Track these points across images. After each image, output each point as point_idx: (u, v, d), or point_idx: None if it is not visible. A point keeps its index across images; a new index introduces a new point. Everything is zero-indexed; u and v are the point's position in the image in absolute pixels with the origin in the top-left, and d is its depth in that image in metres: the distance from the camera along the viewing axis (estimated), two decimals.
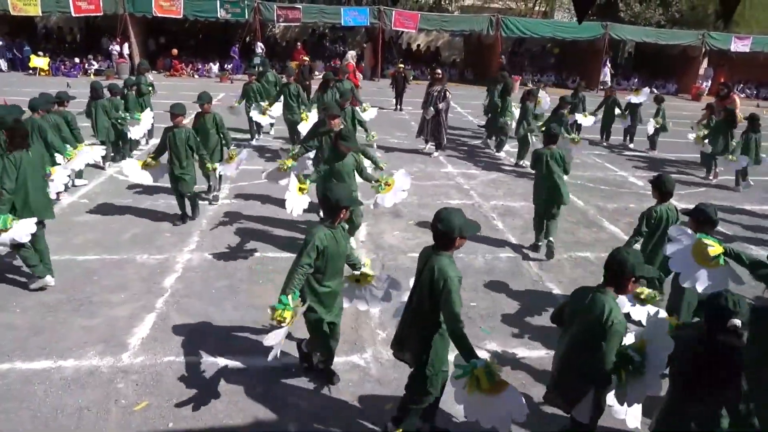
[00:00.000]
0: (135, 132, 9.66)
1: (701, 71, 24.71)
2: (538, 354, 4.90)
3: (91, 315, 5.14)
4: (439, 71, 11.41)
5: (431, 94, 10.99)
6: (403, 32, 26.03)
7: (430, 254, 3.38)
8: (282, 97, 10.66)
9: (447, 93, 10.99)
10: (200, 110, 7.91)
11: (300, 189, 5.74)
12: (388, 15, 22.09)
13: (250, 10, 21.35)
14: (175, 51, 22.72)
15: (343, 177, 5.94)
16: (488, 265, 6.61)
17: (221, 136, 7.96)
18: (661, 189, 5.01)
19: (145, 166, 7.04)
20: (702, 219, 4.30)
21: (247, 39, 22.88)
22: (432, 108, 10.92)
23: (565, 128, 9.81)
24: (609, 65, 24.60)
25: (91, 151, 7.51)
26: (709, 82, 24.65)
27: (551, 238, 6.79)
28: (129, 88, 10.23)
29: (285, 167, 6.25)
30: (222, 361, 4.56)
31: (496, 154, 11.88)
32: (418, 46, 28.76)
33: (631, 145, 13.30)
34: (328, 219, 3.87)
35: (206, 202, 8.09)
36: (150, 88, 11.16)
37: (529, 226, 7.89)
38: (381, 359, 4.70)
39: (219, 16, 21.52)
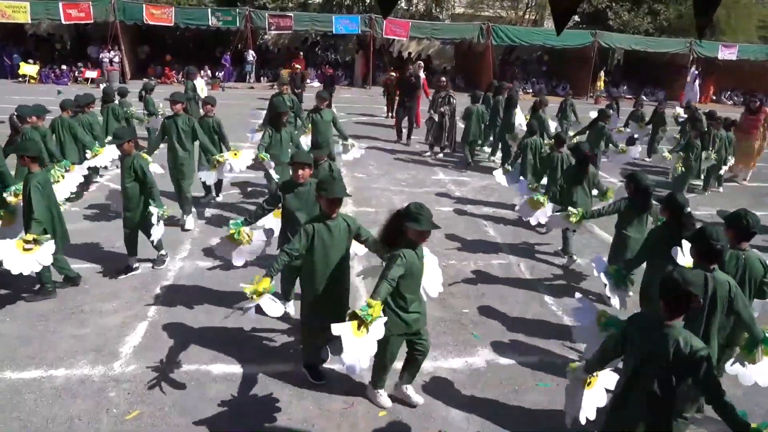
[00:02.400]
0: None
1: (689, 78, 24.99)
2: (531, 360, 4.92)
3: (82, 324, 5.11)
4: (443, 79, 12.54)
5: (436, 100, 11.80)
6: (394, 40, 26.14)
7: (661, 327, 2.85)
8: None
9: (452, 98, 11.74)
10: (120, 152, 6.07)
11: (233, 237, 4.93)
12: (379, 23, 22.19)
13: (242, 17, 21.38)
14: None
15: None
16: (480, 271, 6.63)
17: (145, 186, 5.87)
18: (556, 139, 7.70)
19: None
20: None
21: (239, 46, 22.90)
22: (437, 112, 11.71)
23: (609, 140, 9.58)
24: (698, 80, 22.71)
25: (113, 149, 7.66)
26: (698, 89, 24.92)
27: None
28: (148, 92, 10.75)
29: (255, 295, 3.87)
30: (214, 369, 4.55)
31: (490, 158, 11.91)
32: (410, 53, 28.87)
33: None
34: (675, 316, 2.83)
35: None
36: (195, 93, 11.53)
37: (521, 233, 7.95)
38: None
39: (210, 23, 21.54)
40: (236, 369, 4.58)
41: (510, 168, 8.45)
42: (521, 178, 7.98)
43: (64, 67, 22.08)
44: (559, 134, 8.33)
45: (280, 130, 7.23)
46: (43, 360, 4.55)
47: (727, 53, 23.94)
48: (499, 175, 8.41)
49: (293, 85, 16.28)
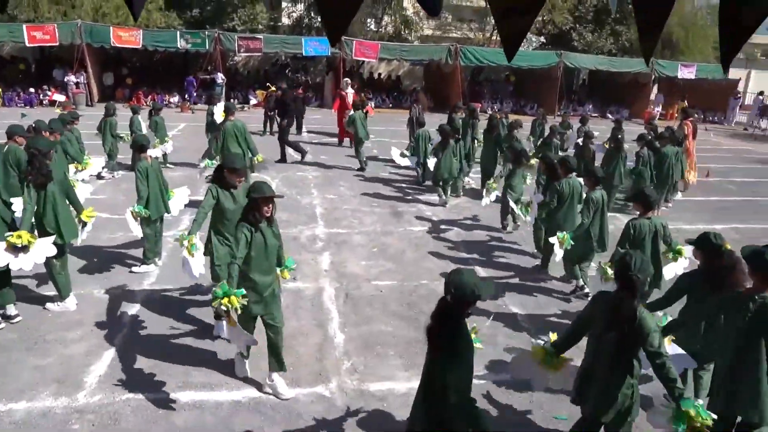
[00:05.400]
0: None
1: (652, 97, 25.73)
2: (503, 378, 4.93)
3: (45, 354, 4.96)
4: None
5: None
6: (364, 61, 26.37)
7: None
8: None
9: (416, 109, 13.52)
10: None
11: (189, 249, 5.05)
12: (349, 45, 22.37)
13: (211, 40, 21.33)
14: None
15: None
16: None
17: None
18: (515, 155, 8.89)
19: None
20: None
21: (208, 69, 22.80)
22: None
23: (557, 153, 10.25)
24: None
25: (94, 163, 8.67)
26: (660, 107, 25.67)
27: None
28: (156, 112, 11.43)
29: None
30: (182, 397, 4.45)
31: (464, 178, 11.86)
32: (380, 74, 29.16)
33: None
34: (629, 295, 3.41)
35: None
36: (212, 118, 11.67)
37: (492, 252, 8.02)
38: (346, 389, 4.65)
39: (179, 46, 21.42)
40: (205, 396, 4.49)
41: (408, 153, 11.49)
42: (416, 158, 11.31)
43: (32, 90, 21.63)
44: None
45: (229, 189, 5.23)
46: (2, 393, 4.39)
47: (686, 72, 24.74)
48: (397, 156, 11.37)
49: (267, 108, 16.29)
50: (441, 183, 10.24)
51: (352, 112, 13.01)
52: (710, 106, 26.33)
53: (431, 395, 3.14)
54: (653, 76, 24.77)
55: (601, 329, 3.40)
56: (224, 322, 4.25)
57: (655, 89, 26.05)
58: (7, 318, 5.43)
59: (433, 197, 10.59)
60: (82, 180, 7.99)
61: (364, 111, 16.43)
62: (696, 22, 26.94)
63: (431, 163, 10.50)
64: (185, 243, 5.08)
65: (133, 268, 6.78)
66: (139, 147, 6.75)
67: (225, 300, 3.91)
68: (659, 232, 5.49)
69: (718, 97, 26.02)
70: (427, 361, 3.19)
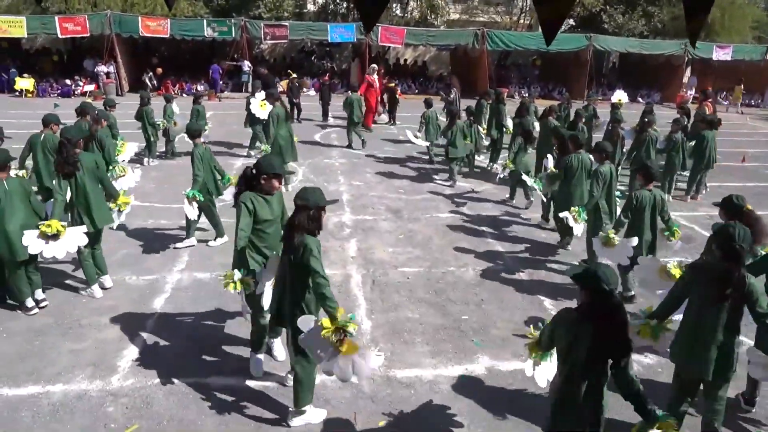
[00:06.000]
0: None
1: (685, 80, 25.03)
2: None
3: (80, 338, 5.09)
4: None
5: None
6: (390, 47, 26.22)
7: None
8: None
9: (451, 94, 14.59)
10: None
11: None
12: (375, 31, 22.23)
13: (237, 28, 21.43)
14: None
15: None
16: (479, 277, 6.61)
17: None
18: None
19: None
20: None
21: (235, 56, 22.94)
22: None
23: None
24: None
25: (126, 149, 9.06)
26: (693, 90, 24.98)
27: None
28: (197, 101, 11.60)
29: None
30: (212, 382, 4.52)
31: (492, 165, 11.76)
32: (406, 60, 28.98)
33: None
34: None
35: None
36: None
37: (519, 238, 7.93)
38: (373, 376, 4.66)
39: (206, 34, 21.58)
40: (234, 381, 4.55)
41: (420, 134, 11.93)
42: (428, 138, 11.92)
43: (68, 81, 22.06)
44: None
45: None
46: (41, 376, 4.52)
47: (721, 54, 23.99)
48: (411, 137, 11.84)
49: (291, 95, 16.30)
50: (452, 163, 10.57)
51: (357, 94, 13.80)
52: (747, 88, 25.53)
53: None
54: (686, 59, 24.09)
55: (706, 298, 3.52)
56: (337, 356, 3.54)
57: (688, 72, 25.32)
58: (37, 303, 5.55)
59: (461, 183, 10.53)
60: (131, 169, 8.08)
61: (397, 96, 16.95)
62: (734, 1, 26.04)
63: (442, 143, 10.98)
64: (238, 285, 4.28)
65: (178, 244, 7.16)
66: (194, 133, 7.06)
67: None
68: (658, 204, 5.76)
69: (755, 78, 25.19)
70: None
